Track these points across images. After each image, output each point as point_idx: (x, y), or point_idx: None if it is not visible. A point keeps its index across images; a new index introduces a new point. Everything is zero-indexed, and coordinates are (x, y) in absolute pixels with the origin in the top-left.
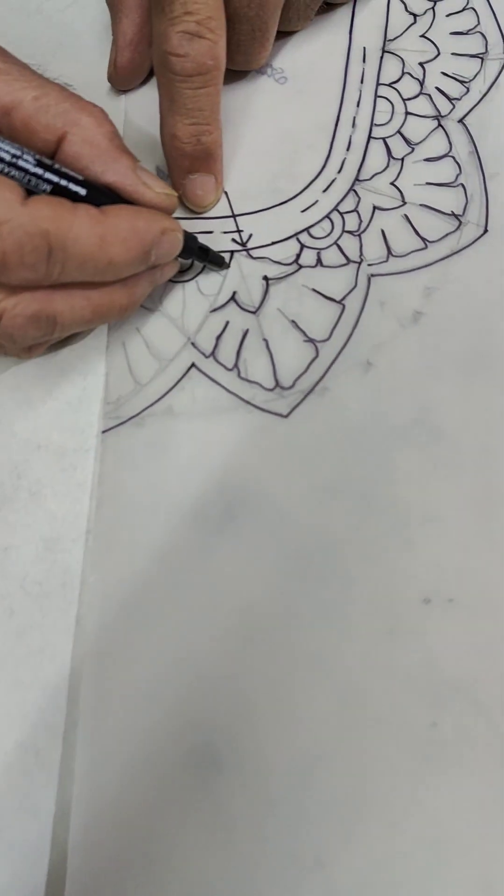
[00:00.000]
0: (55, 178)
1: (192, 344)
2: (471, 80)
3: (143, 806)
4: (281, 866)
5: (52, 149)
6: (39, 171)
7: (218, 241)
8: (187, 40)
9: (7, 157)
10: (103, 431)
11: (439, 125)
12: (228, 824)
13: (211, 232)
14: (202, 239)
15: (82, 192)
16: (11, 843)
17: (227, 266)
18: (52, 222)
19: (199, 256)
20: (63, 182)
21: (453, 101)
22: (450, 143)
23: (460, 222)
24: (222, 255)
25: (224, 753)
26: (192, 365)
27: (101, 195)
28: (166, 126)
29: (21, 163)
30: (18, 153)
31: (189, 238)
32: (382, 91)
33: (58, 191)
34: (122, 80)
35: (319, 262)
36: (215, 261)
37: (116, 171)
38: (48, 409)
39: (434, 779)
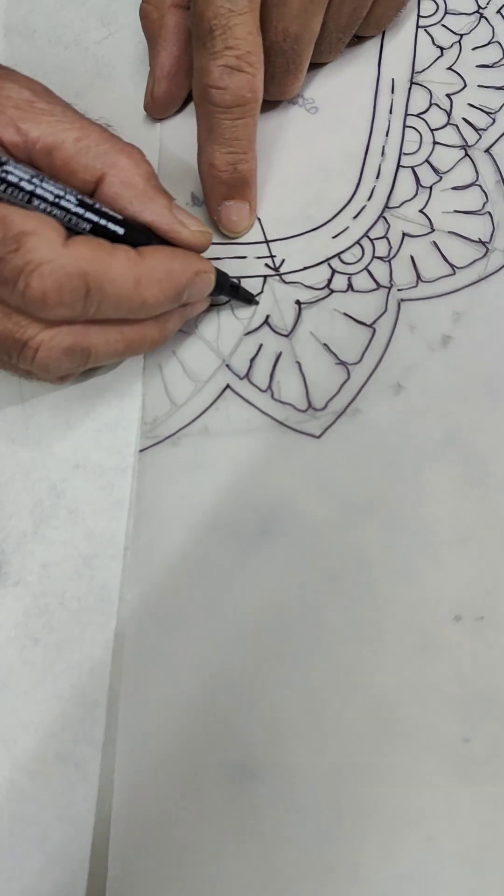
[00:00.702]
0: (95, 218)
1: (227, 366)
2: (497, 112)
3: (180, 816)
4: (315, 878)
5: (90, 188)
6: (80, 210)
7: (251, 267)
8: (227, 74)
9: (50, 198)
10: (140, 451)
11: (466, 154)
12: (264, 835)
13: (245, 257)
14: (236, 264)
15: (120, 231)
16: (53, 853)
17: (257, 303)
18: (91, 264)
19: (229, 293)
20: (102, 221)
21: (480, 132)
22: (477, 172)
23: (487, 249)
24: (251, 292)
25: (259, 765)
26: (227, 386)
27: (139, 234)
28: (204, 154)
29: (63, 202)
30: (62, 193)
31: (221, 276)
32: (411, 121)
33: (97, 230)
34: (158, 109)
35: (350, 286)
36: (245, 297)
37: (153, 210)
38: (87, 430)
39: (467, 793)
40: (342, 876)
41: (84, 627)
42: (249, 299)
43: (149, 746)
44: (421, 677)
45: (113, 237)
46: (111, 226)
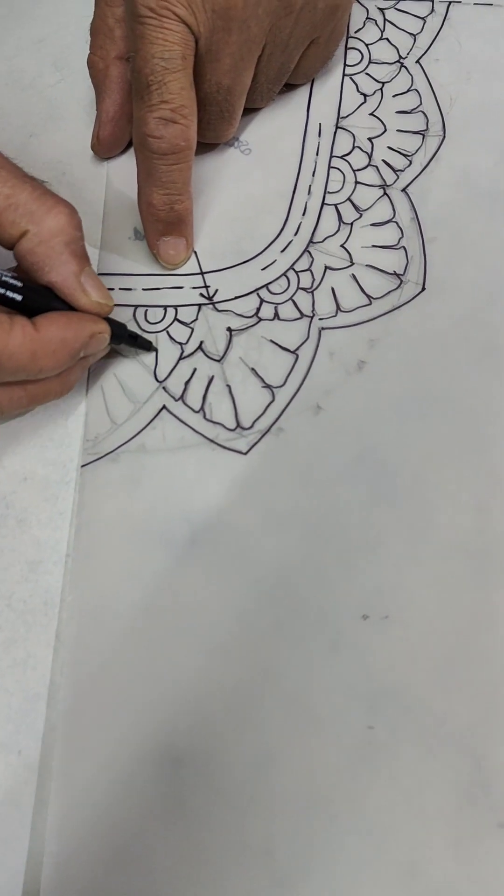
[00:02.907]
0: None
1: (164, 388)
2: (413, 154)
3: (113, 798)
4: (232, 854)
5: (14, 241)
6: None
7: (187, 296)
8: (163, 125)
9: None
10: (82, 466)
11: (385, 194)
12: (187, 816)
13: (181, 287)
14: (173, 293)
15: (19, 298)
16: None
17: (154, 349)
18: None
19: (128, 342)
20: (1, 290)
21: (397, 173)
22: (394, 210)
23: (401, 281)
24: (149, 340)
25: (185, 753)
26: (163, 407)
27: (39, 298)
28: (143, 195)
29: None
30: None
31: (119, 327)
32: (335, 162)
33: None
34: (103, 150)
35: (277, 315)
36: (143, 346)
37: (60, 273)
38: (34, 445)
39: (370, 775)
40: (256, 852)
41: (29, 627)
42: (147, 347)
43: (85, 736)
44: (331, 671)
45: (11, 303)
46: (9, 293)
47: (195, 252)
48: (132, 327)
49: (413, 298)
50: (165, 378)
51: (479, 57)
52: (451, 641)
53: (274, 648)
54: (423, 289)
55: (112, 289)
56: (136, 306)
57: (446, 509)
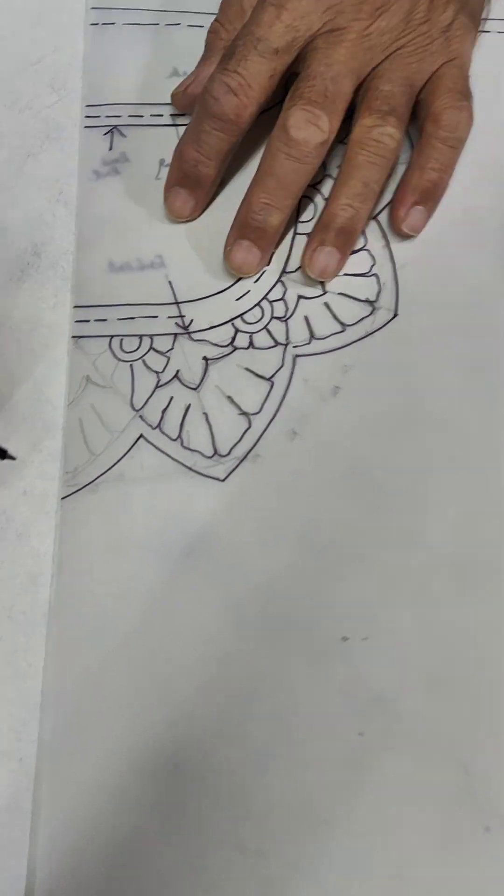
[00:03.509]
0: None
1: (141, 417)
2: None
3: (110, 803)
4: (227, 856)
5: None
6: None
7: (163, 325)
8: (224, 90)
9: None
10: (62, 498)
11: None
12: (183, 820)
13: (156, 317)
14: (148, 322)
15: None
16: None
17: (12, 458)
18: None
19: None
20: None
21: None
22: (365, 238)
23: (374, 308)
24: (2, 449)
25: (180, 760)
26: (141, 436)
27: None
28: (181, 141)
29: None
30: None
31: None
32: (306, 191)
33: None
34: (182, 104)
35: (252, 344)
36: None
37: None
38: (33, 461)
39: (361, 780)
40: (251, 855)
41: (29, 638)
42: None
43: (83, 742)
44: (322, 681)
45: None
46: None
47: (170, 282)
48: (106, 360)
49: (385, 325)
50: (142, 406)
51: None
52: (440, 653)
53: (265, 661)
54: (396, 315)
55: (87, 320)
56: (112, 336)
57: (426, 529)
